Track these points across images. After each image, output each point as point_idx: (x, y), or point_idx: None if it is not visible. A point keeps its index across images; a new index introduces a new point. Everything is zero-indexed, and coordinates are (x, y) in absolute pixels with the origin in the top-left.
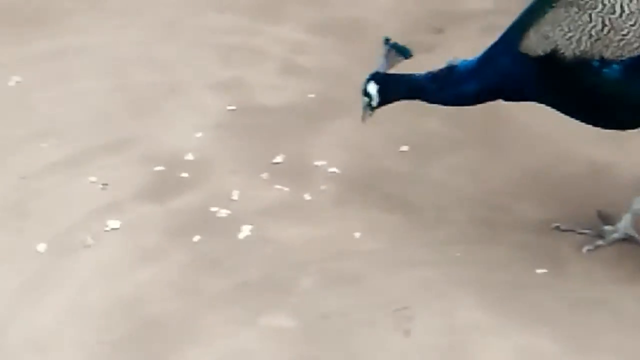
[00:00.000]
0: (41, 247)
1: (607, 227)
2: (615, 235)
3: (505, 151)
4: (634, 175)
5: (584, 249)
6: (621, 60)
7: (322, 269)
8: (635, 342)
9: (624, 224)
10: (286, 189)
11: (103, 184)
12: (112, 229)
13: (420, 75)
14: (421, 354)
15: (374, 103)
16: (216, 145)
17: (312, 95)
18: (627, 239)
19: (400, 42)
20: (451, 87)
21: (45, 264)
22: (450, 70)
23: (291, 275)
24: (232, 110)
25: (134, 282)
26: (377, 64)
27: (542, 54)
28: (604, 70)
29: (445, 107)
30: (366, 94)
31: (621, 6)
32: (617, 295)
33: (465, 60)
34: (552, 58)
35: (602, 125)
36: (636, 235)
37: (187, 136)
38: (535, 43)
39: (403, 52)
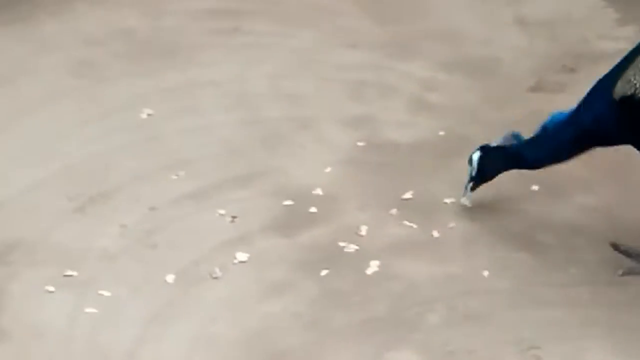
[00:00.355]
0: (170, 277)
1: None
2: None
3: (638, 191)
4: None
5: (619, 272)
6: None
7: (449, 306)
8: None
9: None
10: (415, 225)
11: (232, 217)
12: (240, 261)
13: (514, 145)
14: None
15: (473, 172)
16: (345, 181)
17: (442, 133)
18: None
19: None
20: (548, 142)
21: (173, 294)
22: (544, 128)
23: (418, 312)
24: (362, 146)
25: (261, 314)
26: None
27: (623, 95)
28: None
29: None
30: (470, 161)
31: None
32: None
33: (555, 114)
34: (631, 101)
35: None
36: None
37: (317, 171)
38: (620, 87)
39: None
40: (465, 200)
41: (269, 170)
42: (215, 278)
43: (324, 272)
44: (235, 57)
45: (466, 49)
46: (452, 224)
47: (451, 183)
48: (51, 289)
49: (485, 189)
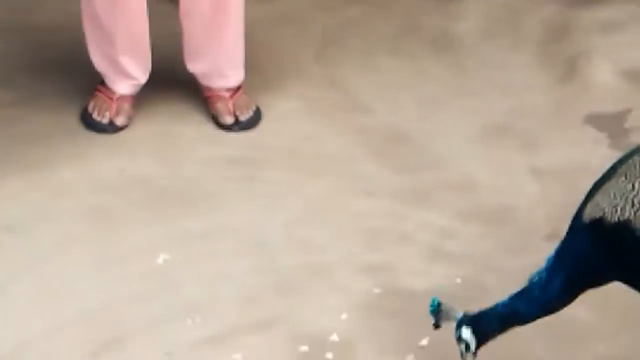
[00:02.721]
0: None
1: None
2: None
3: None
4: None
5: None
6: None
7: None
8: None
9: None
10: None
11: None
12: None
13: (506, 301)
14: None
15: (472, 347)
16: (362, 327)
17: (459, 280)
18: None
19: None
20: (539, 294)
21: None
22: (530, 280)
23: None
24: (378, 292)
25: None
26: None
27: (592, 220)
28: None
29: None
30: (461, 340)
31: None
32: None
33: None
34: (600, 224)
35: None
36: None
37: (333, 317)
38: (589, 212)
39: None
40: None
41: (284, 316)
42: None
43: None
44: (251, 205)
45: (481, 198)
46: None
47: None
48: None
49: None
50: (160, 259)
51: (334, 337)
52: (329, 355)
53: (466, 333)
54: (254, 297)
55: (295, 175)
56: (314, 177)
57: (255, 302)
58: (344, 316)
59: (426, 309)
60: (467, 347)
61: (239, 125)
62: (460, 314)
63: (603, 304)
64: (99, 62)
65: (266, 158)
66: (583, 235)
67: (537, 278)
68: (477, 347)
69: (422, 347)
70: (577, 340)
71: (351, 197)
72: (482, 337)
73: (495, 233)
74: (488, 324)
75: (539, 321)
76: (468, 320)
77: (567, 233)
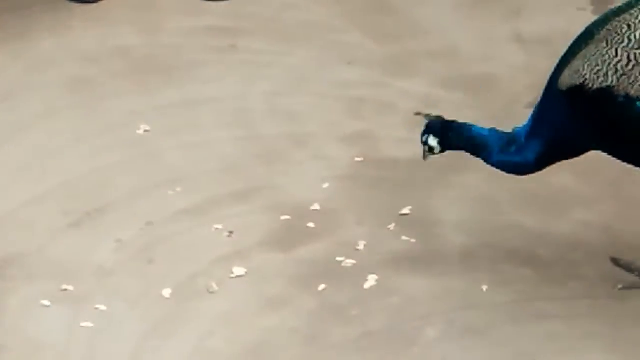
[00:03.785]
0: (166, 292)
1: None
2: None
3: (637, 206)
4: None
5: (619, 286)
6: None
7: (448, 321)
8: None
9: None
10: (413, 240)
11: (229, 232)
12: (238, 276)
13: (485, 133)
14: None
15: (437, 152)
16: (343, 196)
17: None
18: None
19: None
20: (514, 153)
21: (170, 309)
22: (514, 133)
23: (416, 326)
24: (360, 161)
25: (258, 328)
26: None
27: (571, 86)
28: (629, 106)
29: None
30: (427, 144)
31: None
32: None
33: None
34: (580, 91)
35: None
36: None
37: (314, 187)
38: (567, 78)
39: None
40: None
41: (266, 186)
42: (212, 293)
43: (321, 287)
44: (233, 75)
45: (464, 66)
46: (451, 239)
47: (450, 199)
48: (47, 303)
49: (484, 204)
50: (141, 129)
51: (316, 206)
52: (311, 224)
53: (433, 141)
54: (235, 168)
55: (276, 45)
56: (296, 47)
57: (237, 172)
58: (325, 185)
59: (408, 178)
60: (431, 150)
61: None
62: (429, 116)
63: (589, 172)
64: None
65: (247, 28)
66: (560, 103)
67: (518, 132)
68: (441, 149)
69: (404, 215)
70: (562, 208)
71: (333, 66)
72: (446, 148)
73: (478, 101)
74: (457, 139)
75: (527, 193)
76: (438, 129)
77: (542, 101)
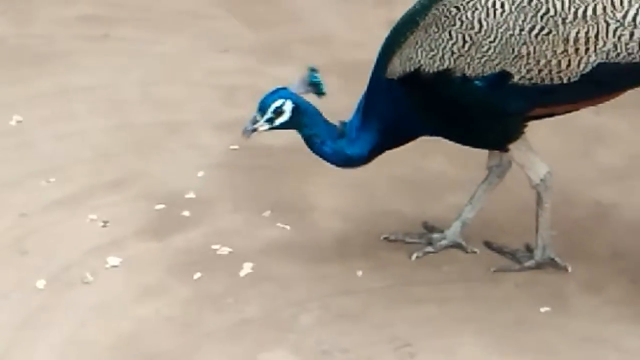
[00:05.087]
0: (40, 283)
1: (436, 235)
2: (444, 242)
3: (510, 191)
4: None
5: (413, 256)
6: (483, 77)
7: (323, 306)
8: None
9: (452, 231)
10: (288, 227)
11: (103, 222)
12: (112, 266)
13: (323, 123)
14: None
15: (278, 122)
16: (218, 184)
17: None
18: (455, 246)
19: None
20: (345, 146)
21: (44, 300)
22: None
23: (292, 312)
24: (235, 149)
25: (133, 318)
26: (293, 83)
27: (406, 74)
28: (469, 86)
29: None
30: (278, 110)
31: (479, 22)
32: (621, 333)
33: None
34: (416, 76)
35: (483, 146)
36: (463, 243)
37: (189, 175)
38: (398, 66)
39: (318, 88)
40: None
41: (140, 175)
42: (87, 283)
43: (197, 275)
44: (106, 64)
45: (338, 53)
46: (325, 226)
47: (324, 185)
48: None
49: (359, 190)
50: (14, 120)
51: (191, 195)
52: (186, 212)
53: (288, 107)
54: (110, 157)
55: (150, 33)
56: (170, 35)
57: (111, 161)
58: (200, 174)
59: (283, 165)
60: (274, 119)
61: None
62: (296, 85)
63: (462, 157)
64: None
65: (120, 16)
66: (391, 93)
67: (348, 125)
68: (276, 126)
69: (278, 203)
70: (436, 192)
71: (207, 54)
72: (292, 123)
73: (353, 87)
74: (309, 116)
75: (401, 178)
76: (296, 98)
77: (368, 94)
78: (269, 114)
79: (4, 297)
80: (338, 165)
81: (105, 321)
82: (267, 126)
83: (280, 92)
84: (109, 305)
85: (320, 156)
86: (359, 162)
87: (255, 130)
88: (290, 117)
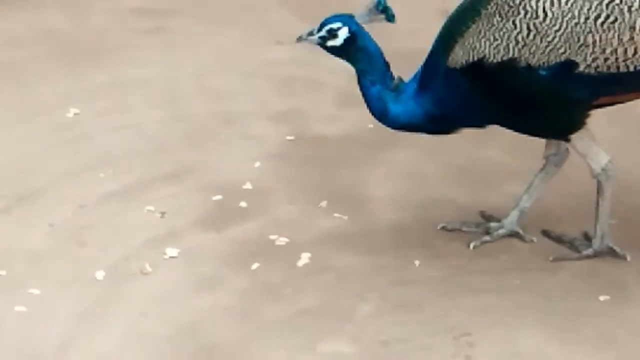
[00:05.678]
0: (100, 274)
1: (493, 224)
2: (501, 232)
3: (568, 180)
4: None
5: (471, 246)
6: (548, 66)
7: (382, 296)
8: None
9: (510, 220)
10: (345, 217)
11: (161, 213)
12: (171, 257)
13: (381, 59)
14: None
15: (330, 44)
16: (275, 175)
17: (371, 126)
18: (512, 235)
19: None
20: (394, 101)
21: (104, 291)
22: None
23: (350, 303)
24: (291, 140)
25: (193, 309)
26: (359, 12)
27: (469, 63)
28: (534, 75)
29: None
30: (332, 32)
31: (544, 10)
32: None
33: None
34: (480, 66)
35: (544, 135)
36: (521, 232)
37: (245, 166)
38: (461, 56)
39: (387, 14)
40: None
41: (197, 166)
42: (146, 274)
43: (254, 266)
44: (160, 56)
45: (393, 42)
46: (383, 215)
47: (381, 175)
48: None
49: (415, 179)
50: (71, 112)
51: (247, 186)
52: (243, 203)
53: (343, 33)
54: (166, 149)
55: (204, 25)
56: (224, 27)
57: (168, 153)
58: (256, 164)
59: (339, 155)
60: (326, 40)
61: None
62: (362, 20)
63: (517, 146)
64: None
65: (174, 8)
66: (453, 81)
67: (403, 89)
68: (328, 48)
69: (335, 193)
70: (492, 181)
71: (261, 45)
72: (346, 53)
73: (408, 76)
74: (364, 48)
75: (457, 167)
76: (355, 29)
77: (425, 79)
78: (323, 32)
79: (63, 289)
80: (374, 113)
81: (164, 312)
82: (318, 41)
83: (343, 17)
84: (167, 297)
85: (365, 96)
86: (392, 124)
87: (305, 40)
88: (342, 44)
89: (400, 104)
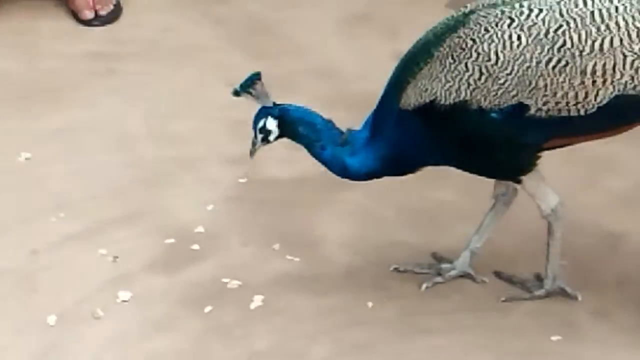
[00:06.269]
0: (51, 319)
1: (445, 265)
2: (453, 273)
3: (519, 221)
4: None
5: (423, 287)
6: (499, 109)
7: (335, 339)
8: None
9: (462, 261)
10: (298, 259)
11: (114, 257)
12: (123, 300)
13: (325, 127)
14: None
15: (272, 138)
16: (227, 218)
17: (323, 169)
18: (464, 276)
19: None
20: (344, 153)
21: (55, 336)
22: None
23: (303, 345)
24: (243, 183)
25: (145, 352)
26: (259, 103)
27: (421, 105)
28: (485, 117)
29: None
30: (264, 129)
31: (496, 54)
32: (633, 359)
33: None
34: (432, 108)
35: (494, 176)
36: (472, 272)
37: (198, 209)
38: (414, 98)
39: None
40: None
41: (150, 210)
42: (98, 318)
43: (207, 309)
44: (114, 99)
45: (345, 84)
46: (335, 257)
47: (333, 217)
48: None
49: (367, 221)
50: (22, 157)
51: (200, 229)
52: (195, 246)
53: (272, 124)
54: (119, 192)
55: (157, 67)
56: (177, 69)
57: (120, 196)
58: (209, 207)
59: (291, 197)
60: (266, 137)
61: (99, 20)
62: (270, 102)
63: (470, 187)
64: None
65: (128, 51)
66: (405, 123)
67: (354, 140)
68: (277, 137)
69: (287, 235)
70: (444, 223)
71: (214, 87)
72: (283, 132)
73: (360, 119)
74: (296, 121)
75: (410, 208)
76: (278, 112)
77: (376, 119)
78: (259, 135)
79: (15, 335)
80: (336, 173)
81: (117, 356)
82: (264, 143)
83: (261, 112)
84: (120, 341)
85: (320, 162)
86: (354, 177)
87: (256, 149)
88: (280, 131)
89: (356, 156)
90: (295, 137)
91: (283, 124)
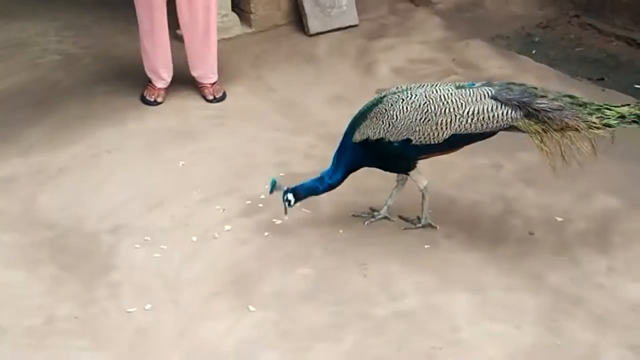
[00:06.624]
0: (194, 238)
1: (376, 213)
2: (379, 216)
3: (409, 192)
4: None
5: (365, 223)
6: (397, 141)
7: (321, 247)
8: None
9: (384, 211)
10: (308, 211)
11: (223, 209)
12: (226, 230)
13: (310, 182)
14: None
15: (292, 203)
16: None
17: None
18: (385, 218)
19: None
20: (327, 181)
21: (197, 246)
22: (322, 174)
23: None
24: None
25: (233, 255)
26: (282, 190)
27: (362, 140)
28: (391, 145)
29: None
30: (286, 199)
31: (396, 115)
32: (463, 257)
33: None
34: (366, 141)
35: (396, 171)
36: (389, 216)
37: (264, 188)
38: (358, 136)
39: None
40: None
41: (239, 188)
42: (216, 238)
43: (265, 234)
44: (223, 137)
45: (329, 129)
46: (326, 210)
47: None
48: None
49: (340, 195)
50: (180, 163)
51: (262, 196)
52: (260, 205)
53: (290, 196)
54: (226, 180)
55: (242, 122)
56: (249, 122)
57: (227, 182)
58: (266, 187)
59: None
60: (289, 203)
61: (216, 100)
62: (285, 187)
63: (385, 177)
64: (148, 71)
65: (229, 114)
66: (355, 149)
67: (326, 172)
68: (295, 202)
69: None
70: (375, 193)
71: (267, 132)
72: (298, 198)
73: (332, 142)
74: (301, 192)
75: (359, 188)
76: (291, 190)
77: (340, 150)
78: (285, 203)
79: (172, 245)
80: (326, 191)
81: (219, 256)
82: (290, 207)
83: (284, 192)
84: (224, 249)
85: (321, 194)
86: (337, 185)
87: (288, 208)
88: (295, 199)
89: (332, 178)
90: (304, 196)
91: (296, 195)
